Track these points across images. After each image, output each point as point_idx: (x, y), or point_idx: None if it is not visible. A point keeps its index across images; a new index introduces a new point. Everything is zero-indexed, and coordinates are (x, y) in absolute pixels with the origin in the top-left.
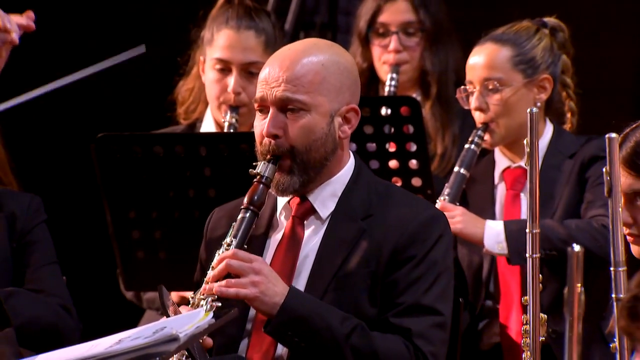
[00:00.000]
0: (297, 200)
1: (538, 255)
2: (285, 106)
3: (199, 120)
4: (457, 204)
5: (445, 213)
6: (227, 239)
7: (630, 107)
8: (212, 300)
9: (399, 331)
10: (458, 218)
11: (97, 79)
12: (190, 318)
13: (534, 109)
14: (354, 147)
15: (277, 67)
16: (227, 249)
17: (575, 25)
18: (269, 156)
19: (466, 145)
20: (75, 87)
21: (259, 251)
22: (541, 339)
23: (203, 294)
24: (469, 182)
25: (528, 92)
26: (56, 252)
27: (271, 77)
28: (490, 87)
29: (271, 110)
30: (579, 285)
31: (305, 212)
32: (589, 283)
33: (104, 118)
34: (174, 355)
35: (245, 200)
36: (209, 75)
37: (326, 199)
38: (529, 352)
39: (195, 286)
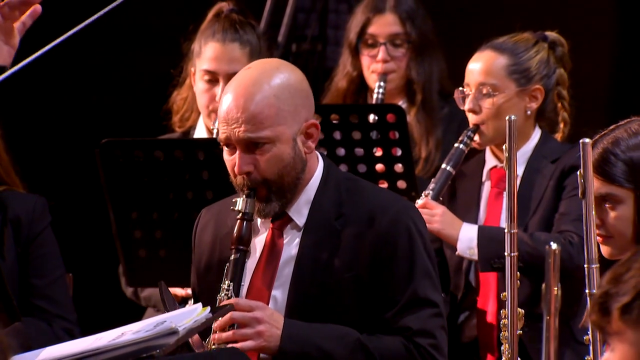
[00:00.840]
0: None
1: (516, 254)
2: (250, 144)
3: (193, 127)
4: (441, 198)
5: (426, 210)
6: (224, 284)
7: (604, 116)
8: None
9: (398, 330)
10: (437, 218)
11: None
12: (189, 313)
13: (513, 117)
14: (343, 152)
15: (234, 108)
16: (226, 294)
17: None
18: (245, 190)
19: (455, 144)
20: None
21: None
22: (519, 332)
23: (214, 343)
24: (460, 177)
25: (520, 100)
26: (63, 250)
27: (230, 117)
28: (485, 91)
29: (238, 149)
30: (556, 289)
31: (283, 222)
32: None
33: (107, 126)
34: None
35: (234, 240)
36: (199, 85)
37: (301, 206)
38: (507, 345)
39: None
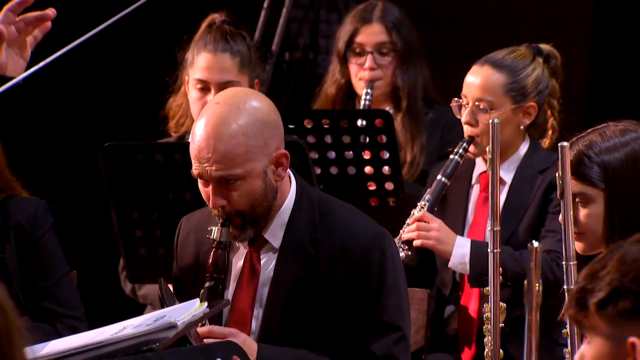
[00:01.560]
0: None
1: (499, 250)
2: (222, 180)
3: (188, 132)
4: (435, 209)
5: (423, 223)
6: None
7: (583, 121)
8: None
9: (364, 355)
10: (433, 233)
11: (111, 31)
12: (187, 307)
13: (496, 120)
14: (334, 155)
15: (204, 148)
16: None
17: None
18: (221, 220)
19: (451, 156)
20: (90, 44)
21: None
22: (501, 325)
23: None
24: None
25: (514, 116)
26: (67, 249)
27: (202, 156)
28: (481, 106)
29: (211, 185)
30: (537, 285)
31: (260, 244)
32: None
33: (108, 130)
34: None
35: (210, 267)
36: (192, 93)
37: (276, 229)
38: (490, 337)
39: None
